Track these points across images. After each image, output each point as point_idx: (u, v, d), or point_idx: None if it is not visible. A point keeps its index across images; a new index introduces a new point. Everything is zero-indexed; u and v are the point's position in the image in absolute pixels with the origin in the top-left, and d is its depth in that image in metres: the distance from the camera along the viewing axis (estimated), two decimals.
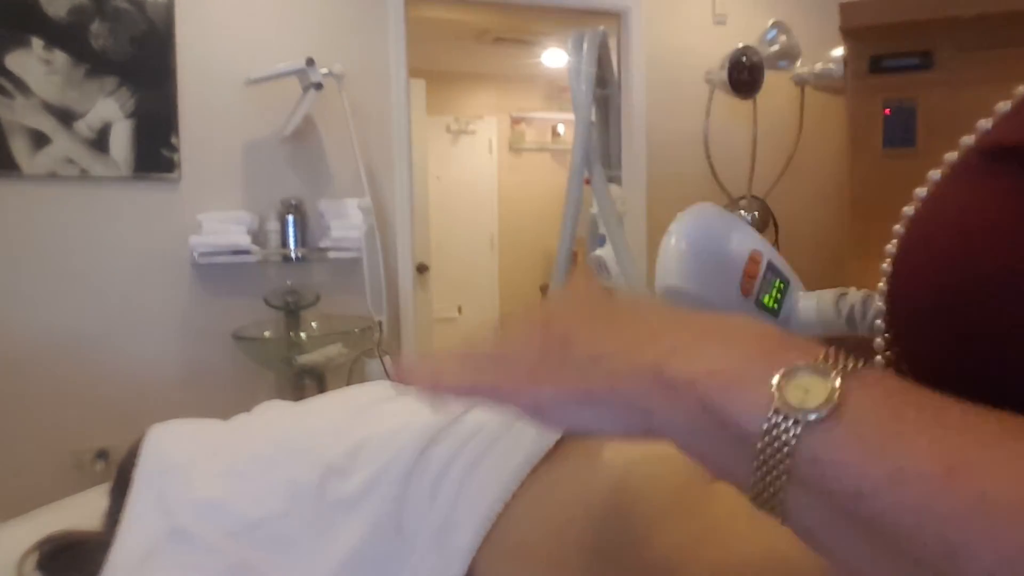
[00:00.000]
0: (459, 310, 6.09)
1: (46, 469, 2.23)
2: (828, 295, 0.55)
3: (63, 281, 2.25)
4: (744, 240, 0.60)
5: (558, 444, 0.68)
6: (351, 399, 0.91)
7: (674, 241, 0.61)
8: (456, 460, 0.70)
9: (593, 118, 1.78)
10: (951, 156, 0.40)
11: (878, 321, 0.42)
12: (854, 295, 0.53)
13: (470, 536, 0.65)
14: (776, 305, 0.59)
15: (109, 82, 2.25)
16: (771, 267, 0.59)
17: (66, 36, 2.20)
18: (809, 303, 0.57)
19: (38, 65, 2.18)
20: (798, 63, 2.90)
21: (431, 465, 0.71)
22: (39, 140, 2.19)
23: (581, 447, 0.69)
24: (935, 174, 0.40)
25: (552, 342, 0.36)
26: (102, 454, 2.27)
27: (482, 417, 0.75)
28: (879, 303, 0.42)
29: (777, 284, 0.58)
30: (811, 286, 0.74)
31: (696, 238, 0.59)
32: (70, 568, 0.83)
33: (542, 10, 3.03)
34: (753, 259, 0.59)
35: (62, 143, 2.21)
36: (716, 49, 2.87)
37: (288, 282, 2.43)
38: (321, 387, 2.33)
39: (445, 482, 0.69)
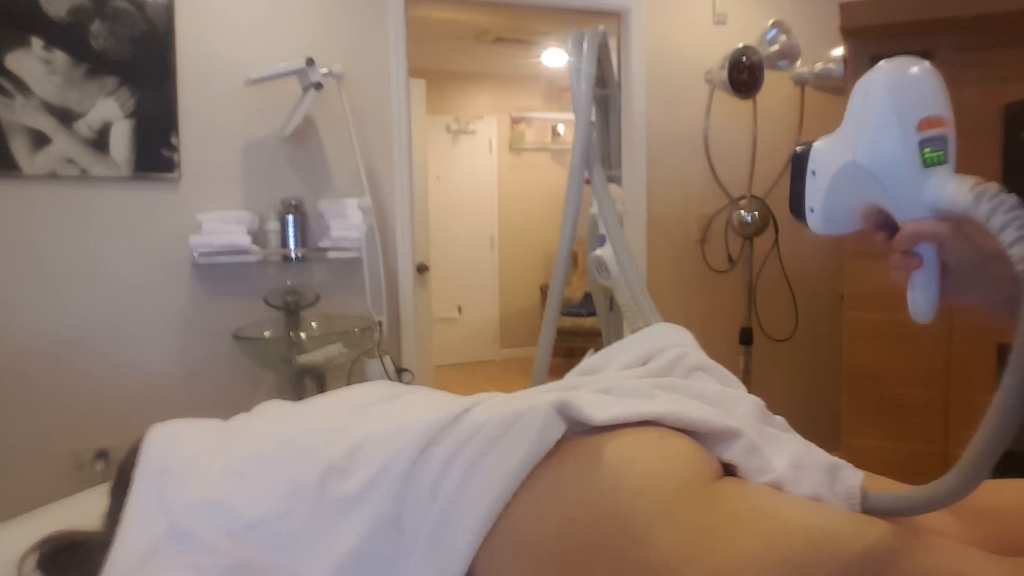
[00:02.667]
0: (459, 310, 6.09)
1: (46, 469, 2.23)
2: (967, 191, 0.55)
3: (63, 281, 2.25)
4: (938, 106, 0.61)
5: (558, 444, 0.68)
6: (351, 399, 0.91)
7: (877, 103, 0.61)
8: (456, 460, 0.70)
9: (593, 118, 1.78)
10: None
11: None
12: (993, 198, 0.53)
13: (470, 535, 0.65)
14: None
15: (109, 82, 2.25)
16: (944, 139, 0.59)
17: (66, 36, 2.20)
18: (947, 188, 0.57)
19: (38, 65, 2.18)
20: (798, 63, 2.90)
21: (431, 465, 0.71)
22: (39, 140, 2.19)
23: (581, 447, 0.69)
24: None
25: None
26: (102, 454, 2.27)
27: (482, 417, 0.75)
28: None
29: (940, 155, 0.59)
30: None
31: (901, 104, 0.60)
32: (70, 568, 0.83)
33: (542, 10, 3.02)
34: (939, 120, 0.60)
35: (62, 143, 2.21)
36: (716, 49, 2.87)
37: (288, 282, 2.43)
38: (321, 387, 2.32)
39: (445, 482, 0.69)
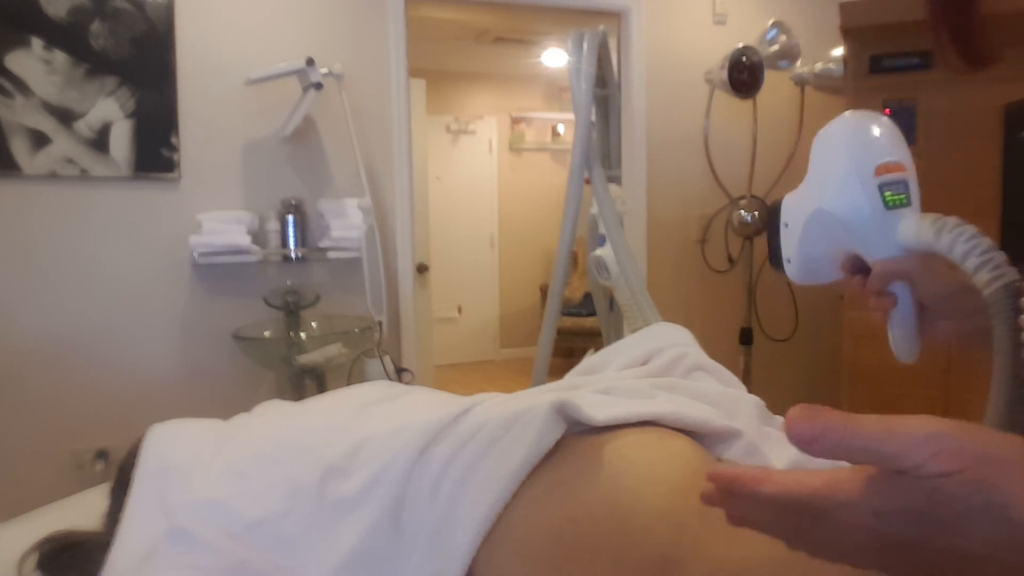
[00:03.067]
0: (459, 310, 6.09)
1: (46, 469, 2.23)
2: (928, 226, 0.58)
3: (63, 281, 2.25)
4: (894, 152, 0.64)
5: (558, 444, 0.68)
6: (351, 399, 0.91)
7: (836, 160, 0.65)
8: (456, 460, 0.70)
9: (593, 118, 1.78)
10: None
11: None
12: (953, 230, 0.56)
13: (470, 536, 0.65)
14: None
15: (109, 82, 2.25)
16: (904, 183, 0.63)
17: (66, 36, 2.20)
18: (910, 226, 0.60)
19: (38, 65, 2.18)
20: (798, 63, 2.90)
21: (431, 465, 0.71)
22: (39, 140, 2.19)
23: (581, 447, 0.69)
24: None
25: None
26: (102, 454, 2.27)
27: (481, 417, 0.75)
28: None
29: (902, 198, 0.62)
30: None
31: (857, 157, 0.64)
32: (70, 568, 0.83)
33: (542, 10, 3.03)
34: (897, 165, 0.64)
35: (62, 143, 2.21)
36: (716, 49, 2.87)
37: (288, 282, 2.43)
38: (321, 387, 2.32)
39: (445, 482, 0.69)
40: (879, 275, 0.64)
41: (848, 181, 0.64)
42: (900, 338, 0.67)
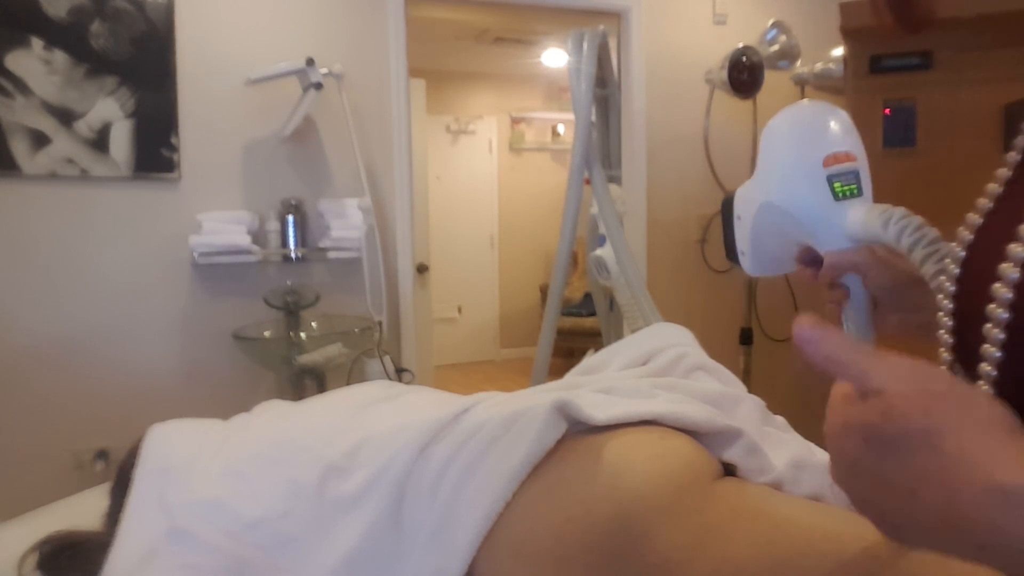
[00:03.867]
0: (459, 310, 6.09)
1: (46, 469, 2.23)
2: (876, 217, 0.57)
3: (63, 281, 2.25)
4: (843, 141, 0.63)
5: (558, 444, 0.68)
6: (351, 399, 0.91)
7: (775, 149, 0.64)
8: (456, 459, 0.70)
9: (593, 118, 1.78)
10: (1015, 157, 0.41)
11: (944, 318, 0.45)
12: (899, 221, 0.55)
13: (471, 535, 0.65)
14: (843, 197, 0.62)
15: (109, 82, 2.25)
16: (854, 174, 0.61)
17: (66, 36, 2.20)
18: (858, 217, 0.59)
19: (38, 65, 2.18)
20: (798, 63, 2.90)
21: (431, 464, 0.71)
22: (39, 140, 2.19)
23: (581, 447, 0.69)
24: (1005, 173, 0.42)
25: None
26: (102, 454, 2.27)
27: (481, 417, 0.75)
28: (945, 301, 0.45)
29: (852, 188, 0.61)
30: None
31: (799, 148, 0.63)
32: (70, 568, 0.83)
33: (542, 10, 3.03)
34: (846, 156, 0.62)
35: (62, 143, 2.21)
36: (716, 49, 2.87)
37: (288, 282, 2.43)
38: (321, 387, 2.32)
39: (445, 481, 0.69)
40: (829, 267, 0.64)
41: (794, 173, 0.63)
42: (854, 331, 0.66)
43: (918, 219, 0.55)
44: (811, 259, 0.67)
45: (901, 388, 0.35)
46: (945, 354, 0.47)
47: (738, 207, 0.72)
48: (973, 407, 0.34)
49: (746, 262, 0.73)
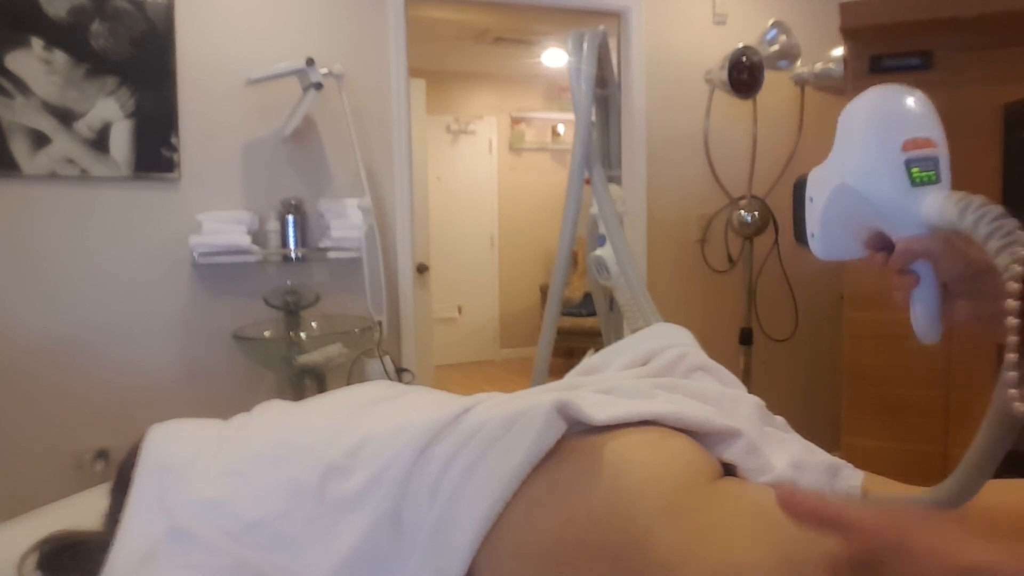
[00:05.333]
0: (459, 310, 6.09)
1: (46, 469, 2.23)
2: (953, 204, 0.57)
3: (63, 281, 2.25)
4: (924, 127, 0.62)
5: (558, 444, 0.68)
6: (351, 399, 0.90)
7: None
8: (456, 459, 0.70)
9: (593, 118, 1.78)
10: None
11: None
12: (977, 209, 0.55)
13: (471, 535, 0.65)
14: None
15: (109, 82, 2.25)
16: (933, 160, 0.61)
17: (66, 36, 2.20)
18: (935, 204, 0.59)
19: (38, 65, 2.18)
20: (798, 63, 2.90)
21: (431, 464, 0.71)
22: (39, 140, 2.19)
23: (582, 447, 0.69)
24: None
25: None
26: (102, 454, 2.27)
27: (482, 417, 0.75)
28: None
29: (930, 175, 0.60)
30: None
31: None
32: (70, 568, 0.83)
33: (542, 10, 3.03)
34: (926, 141, 0.61)
35: (62, 143, 2.21)
36: (716, 49, 2.87)
37: (288, 282, 2.43)
38: (321, 387, 2.32)
39: (445, 481, 0.69)
40: (902, 253, 0.63)
41: (872, 156, 0.62)
42: (922, 318, 0.65)
43: (997, 208, 0.54)
44: (881, 244, 0.66)
45: (872, 514, 0.46)
46: (1013, 341, 0.49)
47: (811, 189, 0.71)
48: (930, 517, 0.46)
49: (815, 245, 0.72)
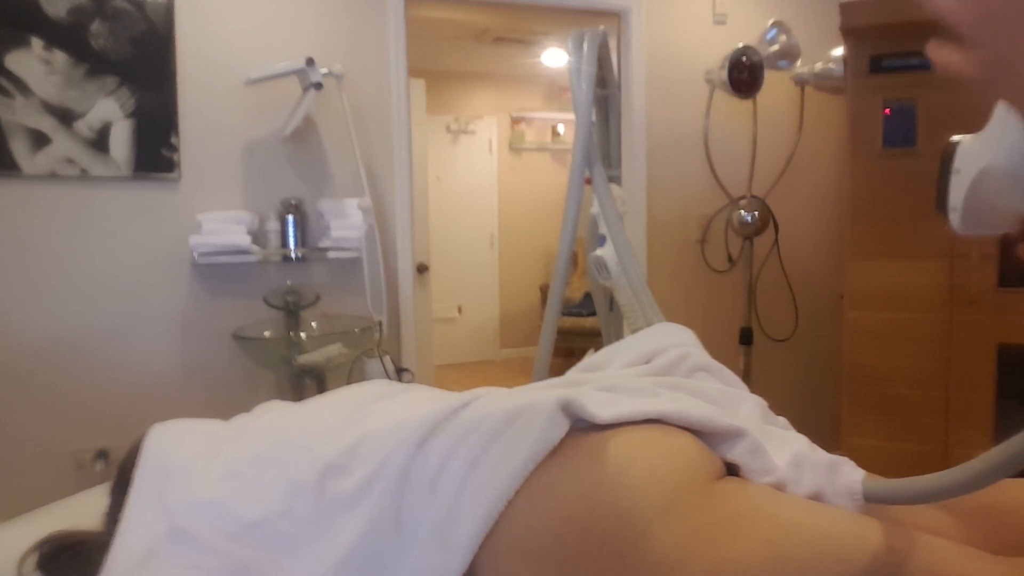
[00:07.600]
0: (459, 310, 6.09)
1: (46, 469, 2.23)
2: None
3: (63, 281, 2.25)
4: None
5: (560, 442, 0.68)
6: (350, 398, 0.90)
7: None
8: (456, 454, 0.70)
9: (593, 118, 1.78)
10: None
11: None
12: None
13: (472, 532, 0.65)
14: None
15: (109, 82, 2.25)
16: None
17: (66, 36, 2.20)
18: None
19: (38, 65, 2.18)
20: (798, 63, 2.90)
21: (430, 459, 0.71)
22: (39, 140, 2.19)
23: (584, 445, 0.68)
24: None
25: None
26: (102, 454, 2.27)
27: (481, 411, 0.75)
28: None
29: None
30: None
31: None
32: (70, 568, 0.83)
33: (542, 10, 3.03)
34: None
35: (62, 143, 2.21)
36: (716, 49, 2.87)
37: (288, 282, 2.43)
38: (321, 387, 2.32)
39: (446, 477, 0.69)
40: None
41: None
42: None
43: None
44: None
45: None
46: None
47: (959, 160, 0.68)
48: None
49: (955, 218, 0.69)
